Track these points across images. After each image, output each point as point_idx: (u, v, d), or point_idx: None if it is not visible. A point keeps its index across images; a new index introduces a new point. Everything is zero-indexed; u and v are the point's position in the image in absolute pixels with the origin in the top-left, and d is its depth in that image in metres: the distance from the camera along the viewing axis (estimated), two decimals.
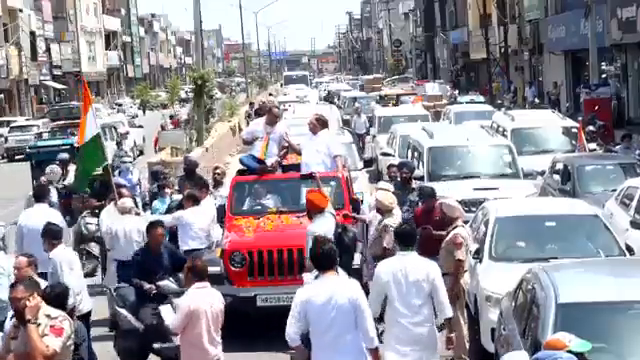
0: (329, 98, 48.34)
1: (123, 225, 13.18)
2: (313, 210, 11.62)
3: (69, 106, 50.85)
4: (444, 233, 11.40)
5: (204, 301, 8.89)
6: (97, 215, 14.91)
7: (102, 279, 14.96)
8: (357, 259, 12.61)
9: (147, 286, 11.00)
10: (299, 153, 14.32)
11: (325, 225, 11.41)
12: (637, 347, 7.74)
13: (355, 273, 12.35)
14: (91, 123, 14.10)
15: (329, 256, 8.24)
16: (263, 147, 14.42)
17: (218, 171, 16.69)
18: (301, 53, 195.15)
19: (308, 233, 11.21)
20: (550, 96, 43.26)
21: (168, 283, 11.04)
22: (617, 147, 20.95)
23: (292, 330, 8.05)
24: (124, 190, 14.47)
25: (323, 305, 7.99)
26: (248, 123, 29.54)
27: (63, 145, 24.34)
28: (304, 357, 8.25)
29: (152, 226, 11.44)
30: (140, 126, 43.83)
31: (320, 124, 14.23)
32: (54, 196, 16.48)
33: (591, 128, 23.68)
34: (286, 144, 14.55)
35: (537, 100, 43.97)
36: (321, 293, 8.04)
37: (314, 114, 14.83)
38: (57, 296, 8.45)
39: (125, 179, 17.89)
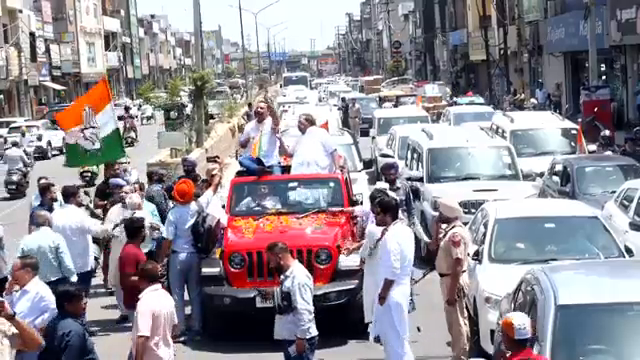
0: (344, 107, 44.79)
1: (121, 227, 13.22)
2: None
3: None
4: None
5: (159, 303, 8.98)
6: (95, 215, 14.94)
7: (103, 279, 15.06)
8: (351, 260, 12.53)
9: None
10: (289, 155, 14.36)
11: None
12: (637, 348, 7.73)
13: (354, 274, 12.40)
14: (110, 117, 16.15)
15: (397, 207, 11.25)
16: (256, 143, 14.42)
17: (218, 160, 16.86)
18: (301, 54, 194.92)
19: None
20: (552, 97, 43.15)
21: None
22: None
23: (399, 264, 10.52)
24: (126, 188, 14.59)
25: (406, 247, 10.68)
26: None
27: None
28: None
29: None
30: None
31: (309, 123, 14.31)
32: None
33: (607, 133, 23.30)
34: (279, 136, 14.63)
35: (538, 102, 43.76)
36: (402, 238, 10.68)
37: (302, 114, 14.97)
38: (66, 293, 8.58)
39: (123, 180, 17.89)
